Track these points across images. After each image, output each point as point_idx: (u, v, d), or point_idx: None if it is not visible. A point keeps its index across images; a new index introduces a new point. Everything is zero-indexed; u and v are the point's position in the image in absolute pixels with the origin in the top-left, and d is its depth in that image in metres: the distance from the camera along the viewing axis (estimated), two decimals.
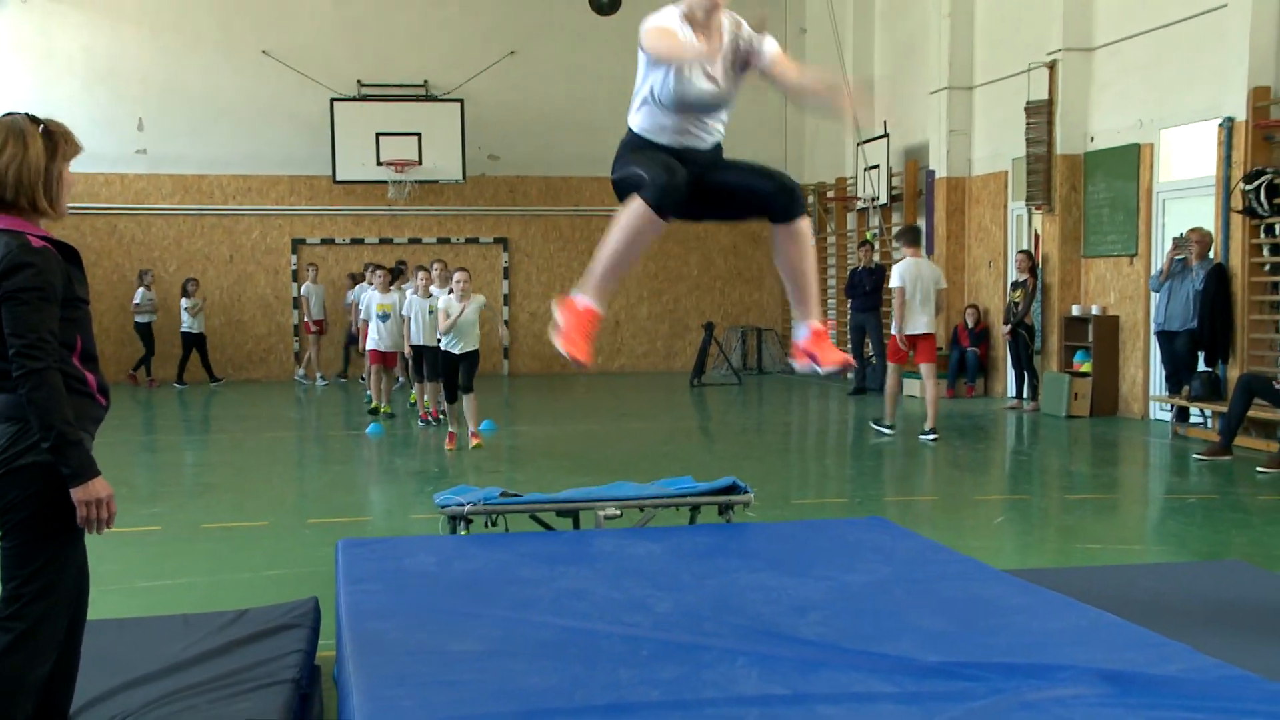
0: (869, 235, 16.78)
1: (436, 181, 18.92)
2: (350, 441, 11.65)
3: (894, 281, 10.97)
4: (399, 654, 3.42)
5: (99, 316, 18.37)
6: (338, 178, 18.64)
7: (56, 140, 3.04)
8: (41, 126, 3.03)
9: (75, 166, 3.13)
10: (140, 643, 4.09)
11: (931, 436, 10.78)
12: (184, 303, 17.54)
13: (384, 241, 19.32)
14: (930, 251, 15.77)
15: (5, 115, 3.05)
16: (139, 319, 17.54)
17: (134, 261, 18.61)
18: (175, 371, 17.77)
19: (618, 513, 5.44)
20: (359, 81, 18.89)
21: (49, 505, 2.96)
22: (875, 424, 11.58)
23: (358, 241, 19.30)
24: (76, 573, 3.12)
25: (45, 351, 2.85)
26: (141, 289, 17.58)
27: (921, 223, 16.10)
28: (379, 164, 18.43)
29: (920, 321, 10.91)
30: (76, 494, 2.92)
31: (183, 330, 17.56)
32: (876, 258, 16.15)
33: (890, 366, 11.42)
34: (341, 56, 18.84)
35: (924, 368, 11.14)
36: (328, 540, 6.64)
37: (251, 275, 19.01)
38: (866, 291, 15.23)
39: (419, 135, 18.52)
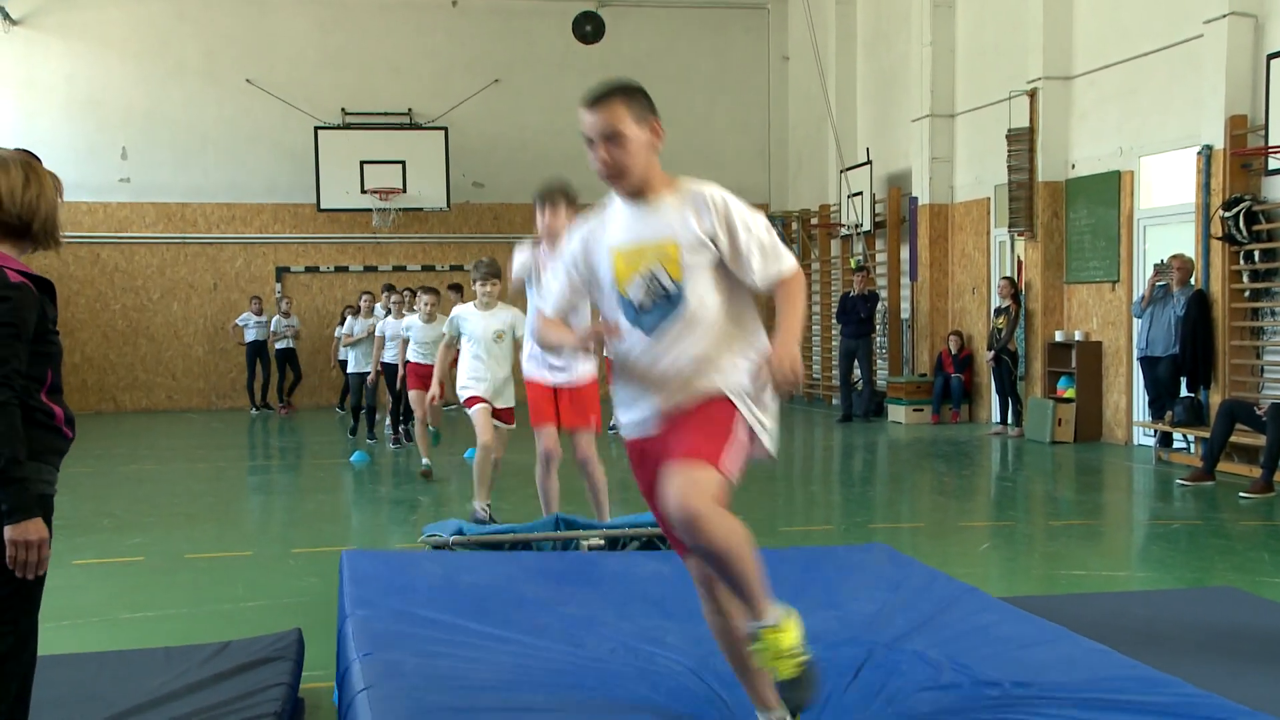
0: (853, 261, 16.83)
1: (421, 209, 18.94)
2: (334, 470, 11.59)
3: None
4: (416, 682, 3.44)
5: (82, 345, 18.31)
6: (322, 206, 18.63)
7: (56, 178, 3.12)
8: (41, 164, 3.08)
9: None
10: (122, 677, 4.05)
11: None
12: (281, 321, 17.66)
13: (369, 269, 19.30)
14: (914, 278, 15.84)
15: (4, 151, 3.02)
16: (279, 345, 17.59)
17: (116, 290, 18.57)
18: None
19: (601, 543, 5.44)
20: (343, 110, 18.91)
21: None
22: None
23: (342, 269, 19.29)
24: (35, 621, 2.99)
25: (7, 386, 2.80)
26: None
27: (905, 249, 16.18)
28: (363, 192, 18.44)
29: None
30: (9, 532, 2.80)
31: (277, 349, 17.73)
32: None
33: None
34: (325, 85, 18.87)
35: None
36: (311, 571, 6.61)
37: (236, 303, 18.93)
38: (861, 319, 15.24)
39: (403, 163, 18.55)
